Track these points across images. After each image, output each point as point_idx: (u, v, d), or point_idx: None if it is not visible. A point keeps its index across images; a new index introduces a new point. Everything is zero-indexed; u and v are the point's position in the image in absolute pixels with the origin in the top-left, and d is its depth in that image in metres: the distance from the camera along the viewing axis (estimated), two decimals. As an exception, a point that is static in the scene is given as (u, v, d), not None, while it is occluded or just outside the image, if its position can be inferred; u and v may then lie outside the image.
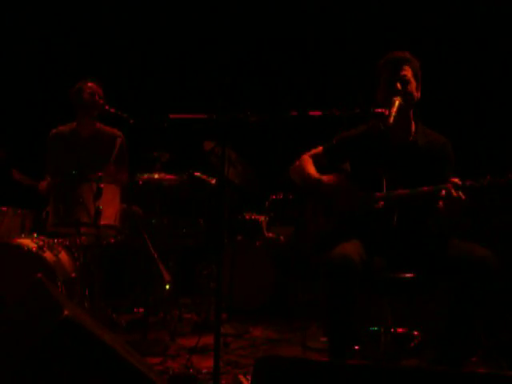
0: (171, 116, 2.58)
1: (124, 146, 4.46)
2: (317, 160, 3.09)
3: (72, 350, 1.66)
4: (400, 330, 3.57)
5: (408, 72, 2.86)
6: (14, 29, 5.84)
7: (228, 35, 5.95)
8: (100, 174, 3.62)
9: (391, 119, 2.65)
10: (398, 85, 2.83)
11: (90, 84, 4.30)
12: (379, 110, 2.67)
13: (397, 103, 2.71)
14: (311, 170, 3.03)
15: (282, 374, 1.65)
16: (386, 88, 2.86)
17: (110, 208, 3.61)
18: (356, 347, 3.38)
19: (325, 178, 2.97)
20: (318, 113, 2.59)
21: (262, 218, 5.15)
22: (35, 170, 4.41)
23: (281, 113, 2.66)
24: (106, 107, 4.14)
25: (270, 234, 5.17)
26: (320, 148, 3.13)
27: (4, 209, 4.21)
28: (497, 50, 4.83)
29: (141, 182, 4.13)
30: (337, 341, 2.65)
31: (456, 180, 2.58)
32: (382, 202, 2.79)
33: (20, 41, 5.87)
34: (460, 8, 4.96)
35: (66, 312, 1.66)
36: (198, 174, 4.25)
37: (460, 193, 2.53)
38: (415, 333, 3.59)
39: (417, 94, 2.90)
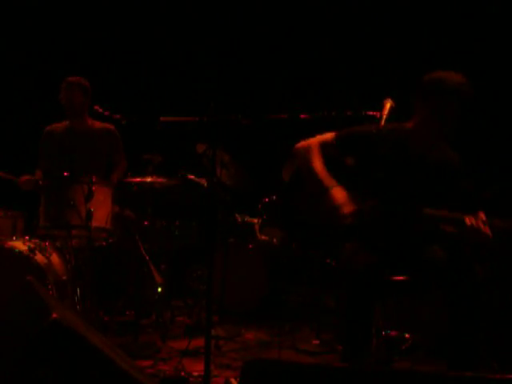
0: (162, 119, 2.57)
1: (117, 135, 4.47)
2: (326, 148, 2.91)
3: (61, 353, 1.65)
4: (391, 332, 3.57)
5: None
6: (12, 27, 5.83)
7: (220, 38, 5.95)
8: (92, 175, 3.61)
9: (382, 122, 2.65)
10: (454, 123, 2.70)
11: (70, 85, 4.28)
12: (370, 113, 2.67)
13: (388, 106, 2.70)
14: (322, 169, 2.87)
15: (270, 377, 1.65)
16: (439, 119, 2.68)
17: (101, 210, 3.60)
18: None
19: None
20: (309, 115, 2.59)
21: (255, 221, 5.15)
22: (21, 167, 4.37)
23: (273, 115, 2.66)
24: (97, 108, 4.10)
25: (263, 237, 5.17)
26: (330, 136, 2.92)
27: (-5, 211, 4.19)
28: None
29: (133, 185, 4.12)
30: (356, 345, 2.64)
31: (482, 215, 2.48)
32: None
33: (17, 40, 5.86)
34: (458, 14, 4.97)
35: (54, 315, 1.65)
36: (190, 176, 4.25)
37: (488, 229, 2.45)
38: (406, 335, 3.59)
39: None
